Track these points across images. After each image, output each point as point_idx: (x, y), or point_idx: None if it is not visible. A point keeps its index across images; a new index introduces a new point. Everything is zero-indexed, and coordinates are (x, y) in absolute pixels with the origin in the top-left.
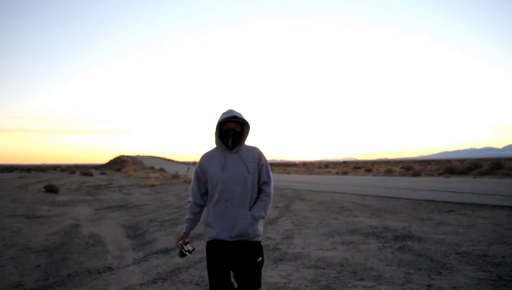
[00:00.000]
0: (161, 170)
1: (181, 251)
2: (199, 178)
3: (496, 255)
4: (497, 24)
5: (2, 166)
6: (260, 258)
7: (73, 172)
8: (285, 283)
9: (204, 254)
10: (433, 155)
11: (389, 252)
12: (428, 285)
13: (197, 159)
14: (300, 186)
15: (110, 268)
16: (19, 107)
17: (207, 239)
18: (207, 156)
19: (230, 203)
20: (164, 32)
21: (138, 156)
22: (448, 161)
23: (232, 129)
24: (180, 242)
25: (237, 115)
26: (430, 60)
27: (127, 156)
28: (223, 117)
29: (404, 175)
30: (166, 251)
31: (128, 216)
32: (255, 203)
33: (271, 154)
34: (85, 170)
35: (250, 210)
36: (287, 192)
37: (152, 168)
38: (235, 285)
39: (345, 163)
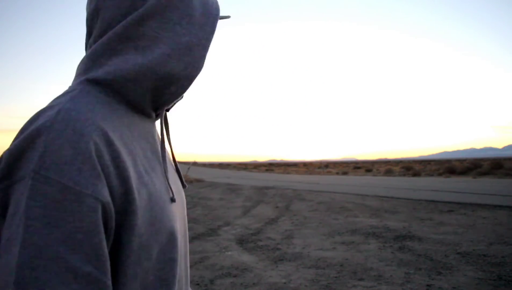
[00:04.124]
0: None
1: None
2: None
3: (496, 255)
4: (498, 23)
5: None
6: None
7: None
8: (285, 283)
9: (204, 254)
10: (433, 155)
11: (389, 252)
12: (428, 285)
13: (197, 159)
14: (300, 186)
15: None
16: (19, 107)
17: None
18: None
19: None
20: None
21: None
22: (448, 161)
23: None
24: None
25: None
26: (430, 60)
27: None
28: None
29: (404, 175)
30: None
31: None
32: None
33: (271, 154)
34: None
35: None
36: (287, 192)
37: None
38: None
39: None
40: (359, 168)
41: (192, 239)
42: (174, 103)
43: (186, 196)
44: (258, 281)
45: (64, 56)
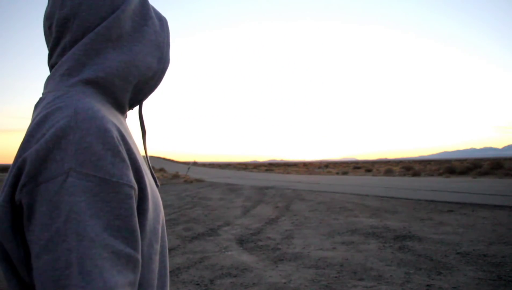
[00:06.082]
0: (161, 170)
1: None
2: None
3: (496, 255)
4: (498, 23)
5: (2, 166)
6: None
7: None
8: (285, 283)
9: (204, 254)
10: (433, 155)
11: (389, 252)
12: (428, 285)
13: (197, 159)
14: (300, 186)
15: None
16: (19, 107)
17: None
18: (126, 137)
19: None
20: None
21: None
22: (448, 161)
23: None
24: None
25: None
26: (430, 60)
27: None
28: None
29: (404, 175)
30: None
31: None
32: None
33: (271, 154)
34: None
35: None
36: (287, 192)
37: (152, 168)
38: None
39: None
40: (359, 168)
41: (192, 239)
42: (143, 100)
43: (186, 196)
44: (258, 281)
45: None
